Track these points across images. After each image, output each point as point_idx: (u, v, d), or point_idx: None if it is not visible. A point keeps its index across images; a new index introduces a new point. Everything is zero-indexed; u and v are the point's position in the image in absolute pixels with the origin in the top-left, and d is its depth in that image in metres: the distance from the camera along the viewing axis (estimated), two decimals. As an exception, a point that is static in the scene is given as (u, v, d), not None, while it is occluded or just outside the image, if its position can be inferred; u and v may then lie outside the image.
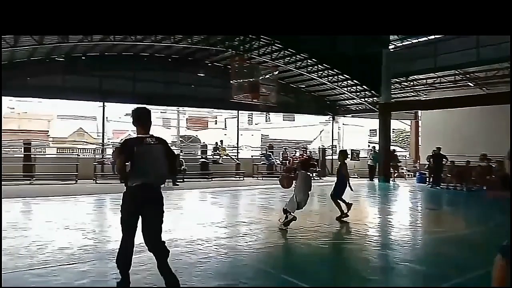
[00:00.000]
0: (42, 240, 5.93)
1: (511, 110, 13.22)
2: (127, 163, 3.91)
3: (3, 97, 23.52)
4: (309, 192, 7.18)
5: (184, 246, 5.79)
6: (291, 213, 6.99)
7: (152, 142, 3.95)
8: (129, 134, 21.85)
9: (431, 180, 16.75)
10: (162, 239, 4.04)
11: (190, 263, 4.99)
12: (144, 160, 3.85)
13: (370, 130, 33.59)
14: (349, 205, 8.14)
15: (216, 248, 5.76)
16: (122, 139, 11.31)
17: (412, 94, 21.37)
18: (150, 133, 4.02)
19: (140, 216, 3.96)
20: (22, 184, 14.04)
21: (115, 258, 4.13)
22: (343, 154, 8.84)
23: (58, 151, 24.90)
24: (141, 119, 4.03)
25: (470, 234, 7.66)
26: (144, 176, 3.86)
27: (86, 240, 6.05)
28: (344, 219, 7.98)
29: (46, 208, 9.18)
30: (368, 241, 6.77)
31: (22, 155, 16.58)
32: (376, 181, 18.05)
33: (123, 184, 3.95)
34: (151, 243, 3.97)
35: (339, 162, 8.62)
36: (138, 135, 4.02)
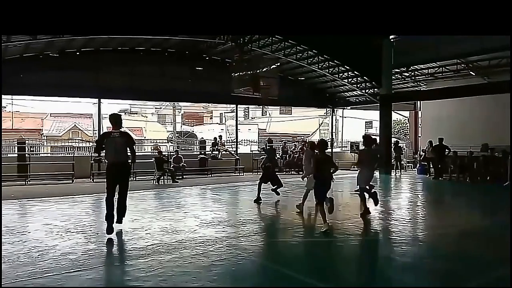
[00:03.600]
0: (43, 245, 5.59)
1: (511, 106, 13.02)
2: (102, 149, 6.27)
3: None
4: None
5: (194, 247, 5.48)
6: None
7: (117, 135, 6.20)
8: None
9: (432, 171, 16.59)
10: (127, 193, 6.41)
11: (203, 266, 4.69)
12: (110, 147, 6.16)
13: (366, 122, 33.36)
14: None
15: (228, 249, 5.46)
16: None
17: (413, 84, 21.10)
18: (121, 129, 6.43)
19: (115, 180, 6.26)
20: (17, 185, 13.63)
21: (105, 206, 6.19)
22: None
23: (53, 149, 24.40)
24: (112, 121, 6.41)
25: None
26: (110, 157, 6.22)
27: (89, 244, 5.71)
28: None
29: (43, 210, 8.78)
30: (391, 237, 6.52)
31: (16, 155, 16.13)
32: (376, 173, 17.83)
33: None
34: (119, 193, 6.30)
35: None
36: (110, 131, 6.41)
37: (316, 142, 8.24)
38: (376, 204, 8.19)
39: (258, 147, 23.47)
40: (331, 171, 6.83)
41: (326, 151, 7.03)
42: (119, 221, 6.32)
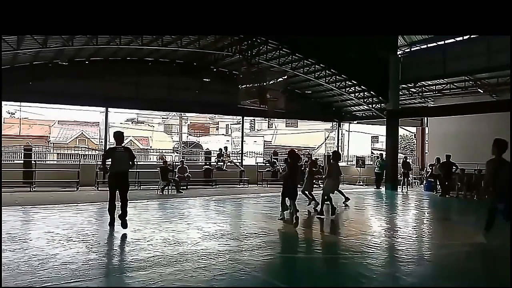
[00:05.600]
0: (44, 253, 5.53)
1: (511, 117, 12.84)
2: (108, 162, 7.58)
3: (3, 102, 23.31)
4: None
5: (196, 261, 5.40)
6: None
7: (122, 150, 7.52)
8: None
9: (439, 188, 16.40)
10: (127, 198, 7.42)
11: (205, 281, 4.60)
12: (115, 159, 7.41)
13: (372, 137, 33.20)
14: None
15: (231, 263, 5.37)
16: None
17: (420, 100, 21.01)
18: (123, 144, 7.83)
19: (116, 187, 7.35)
20: (22, 192, 13.64)
21: (107, 208, 7.42)
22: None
23: (59, 157, 24.51)
24: (115, 138, 7.67)
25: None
26: (115, 168, 7.38)
27: (90, 253, 5.64)
28: None
29: (46, 217, 8.76)
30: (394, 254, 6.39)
31: (22, 161, 16.19)
32: (383, 189, 17.66)
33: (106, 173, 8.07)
34: (121, 198, 7.30)
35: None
36: (116, 145, 7.64)
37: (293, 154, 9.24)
38: (333, 213, 9.50)
39: (265, 159, 23.41)
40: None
41: (298, 163, 8.92)
42: (123, 222, 7.17)
